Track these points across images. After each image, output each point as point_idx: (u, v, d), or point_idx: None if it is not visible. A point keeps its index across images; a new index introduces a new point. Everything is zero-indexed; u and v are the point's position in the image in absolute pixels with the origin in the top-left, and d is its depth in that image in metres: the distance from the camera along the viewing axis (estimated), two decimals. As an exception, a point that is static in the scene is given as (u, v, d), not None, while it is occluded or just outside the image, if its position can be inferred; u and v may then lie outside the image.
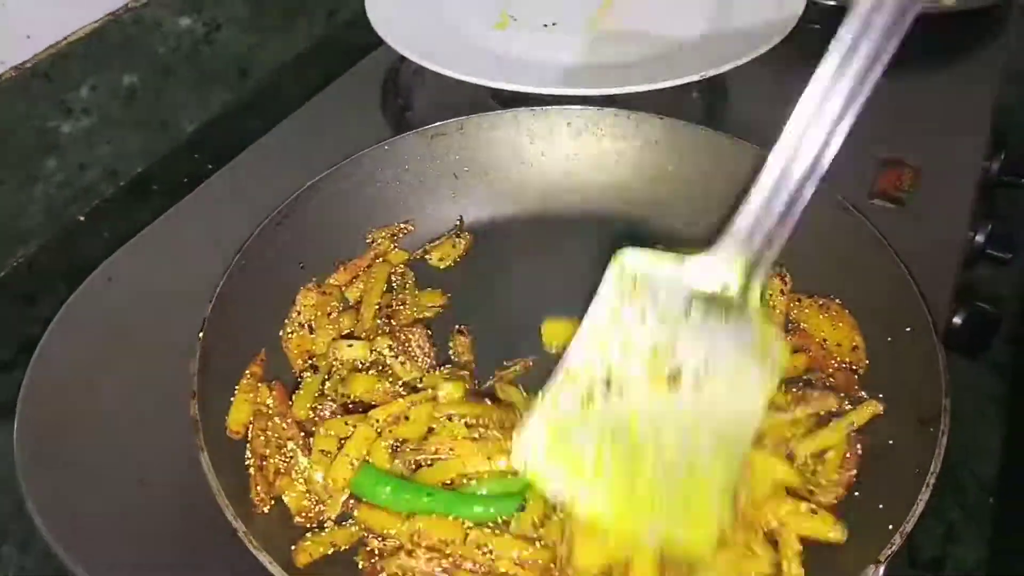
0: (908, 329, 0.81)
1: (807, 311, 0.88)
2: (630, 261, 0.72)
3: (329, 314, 0.90)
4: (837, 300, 0.87)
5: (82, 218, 1.24)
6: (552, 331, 0.89)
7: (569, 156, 1.05)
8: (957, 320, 1.04)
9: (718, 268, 0.70)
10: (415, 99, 1.27)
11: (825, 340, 0.85)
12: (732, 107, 1.22)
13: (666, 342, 0.69)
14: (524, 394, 0.82)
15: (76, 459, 0.84)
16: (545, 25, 1.37)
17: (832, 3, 1.33)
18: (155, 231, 1.09)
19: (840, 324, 0.86)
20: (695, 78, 1.12)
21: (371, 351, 0.86)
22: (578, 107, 1.03)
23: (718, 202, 0.99)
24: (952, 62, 1.39)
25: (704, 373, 0.68)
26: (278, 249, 0.91)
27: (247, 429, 0.79)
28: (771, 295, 0.89)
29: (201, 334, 0.79)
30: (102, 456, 0.84)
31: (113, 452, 0.84)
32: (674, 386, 0.68)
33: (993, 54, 1.40)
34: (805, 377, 0.84)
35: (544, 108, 1.03)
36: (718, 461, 0.67)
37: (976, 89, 1.29)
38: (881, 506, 0.71)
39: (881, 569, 0.65)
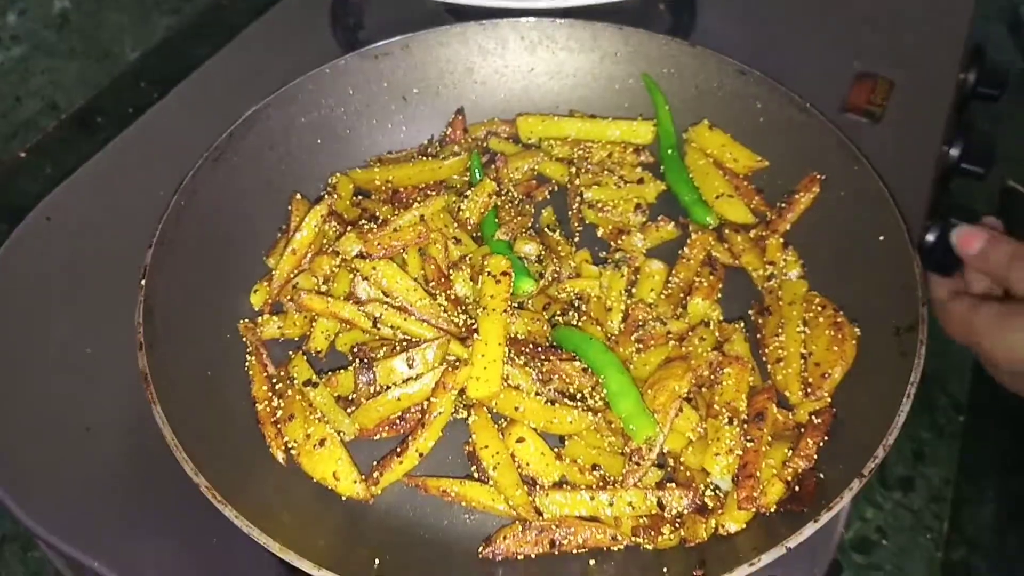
0: (881, 238, 0.78)
1: (820, 320, 0.78)
2: None
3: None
4: (857, 327, 0.77)
5: (23, 154, 1.18)
6: (527, 125, 0.96)
7: (525, 72, 0.99)
8: (930, 237, 1.01)
9: None
10: (367, 17, 1.20)
11: (811, 354, 0.77)
12: (700, 19, 1.16)
13: None
14: None
15: (19, 405, 0.81)
16: None
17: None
18: (96, 166, 1.04)
19: (837, 349, 0.75)
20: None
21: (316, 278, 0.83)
22: (532, 19, 0.97)
23: (682, 118, 0.96)
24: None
25: None
26: (219, 186, 0.85)
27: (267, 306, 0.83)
28: (785, 269, 0.84)
29: (143, 281, 0.75)
30: (47, 402, 0.81)
31: (58, 398, 0.81)
32: None
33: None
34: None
35: (494, 21, 0.97)
36: None
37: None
38: (861, 421, 0.70)
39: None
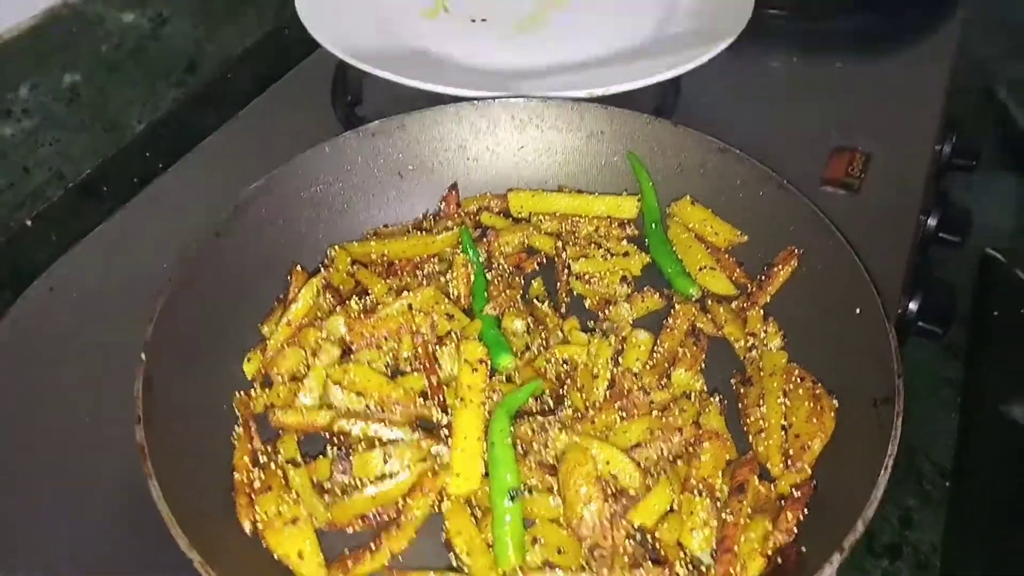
0: (857, 311, 0.80)
1: (799, 391, 0.80)
2: None
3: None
4: (835, 398, 0.79)
5: (29, 223, 1.22)
6: (518, 200, 1.00)
7: (515, 149, 1.04)
8: (913, 306, 1.04)
9: None
10: (365, 93, 1.25)
11: (791, 425, 0.78)
12: (684, 97, 1.20)
13: None
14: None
15: (17, 474, 0.83)
16: (473, 20, 1.32)
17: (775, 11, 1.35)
18: (100, 236, 1.07)
19: (816, 420, 0.77)
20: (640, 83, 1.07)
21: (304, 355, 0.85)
22: (522, 100, 1.02)
23: (665, 193, 1.00)
24: (904, 45, 1.38)
25: None
26: (220, 260, 0.88)
27: (260, 375, 0.86)
28: (766, 340, 0.87)
29: (143, 355, 0.76)
30: (44, 471, 0.83)
31: (54, 467, 0.83)
32: None
33: (945, 37, 1.39)
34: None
35: (486, 101, 1.01)
36: None
37: (928, 72, 1.28)
38: (841, 494, 0.70)
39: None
